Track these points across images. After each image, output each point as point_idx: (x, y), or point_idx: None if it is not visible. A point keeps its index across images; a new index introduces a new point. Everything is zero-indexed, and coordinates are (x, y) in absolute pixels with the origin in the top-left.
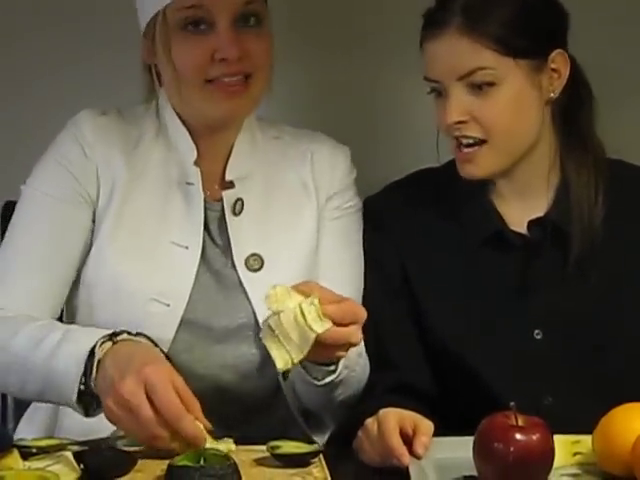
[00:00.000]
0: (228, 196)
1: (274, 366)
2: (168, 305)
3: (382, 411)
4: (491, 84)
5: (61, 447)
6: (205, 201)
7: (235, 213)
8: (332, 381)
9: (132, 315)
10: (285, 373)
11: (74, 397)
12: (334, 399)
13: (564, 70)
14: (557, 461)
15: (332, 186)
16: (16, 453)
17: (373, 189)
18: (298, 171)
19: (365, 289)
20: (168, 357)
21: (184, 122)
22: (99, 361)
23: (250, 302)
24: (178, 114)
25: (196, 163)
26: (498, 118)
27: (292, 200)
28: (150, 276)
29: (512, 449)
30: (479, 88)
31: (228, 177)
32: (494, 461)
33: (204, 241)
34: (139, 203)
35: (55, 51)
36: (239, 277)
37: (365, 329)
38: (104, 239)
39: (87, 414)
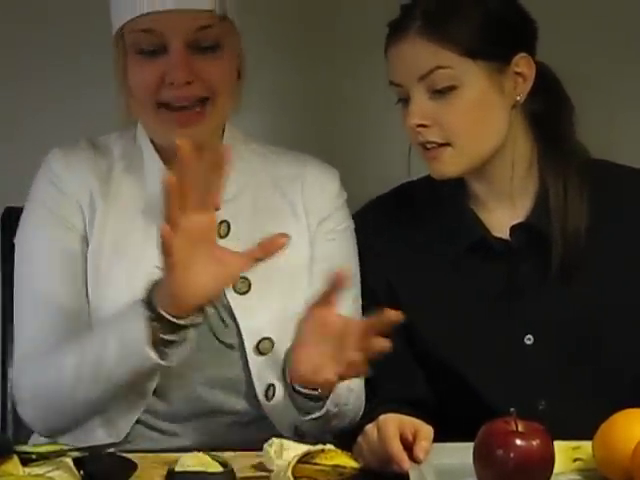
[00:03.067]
0: None
1: None
2: None
3: (382, 417)
4: (452, 88)
5: (61, 453)
6: None
7: (220, 235)
8: (319, 417)
9: None
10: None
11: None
12: (330, 429)
13: (529, 74)
14: (557, 467)
15: (323, 209)
16: (16, 459)
17: (357, 202)
18: (286, 194)
19: None
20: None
21: (157, 146)
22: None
23: (237, 324)
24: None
25: None
26: (460, 122)
27: (280, 223)
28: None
29: (512, 455)
30: (440, 93)
31: None
32: (494, 467)
33: None
34: (117, 232)
35: (55, 64)
36: (227, 299)
37: None
38: (88, 268)
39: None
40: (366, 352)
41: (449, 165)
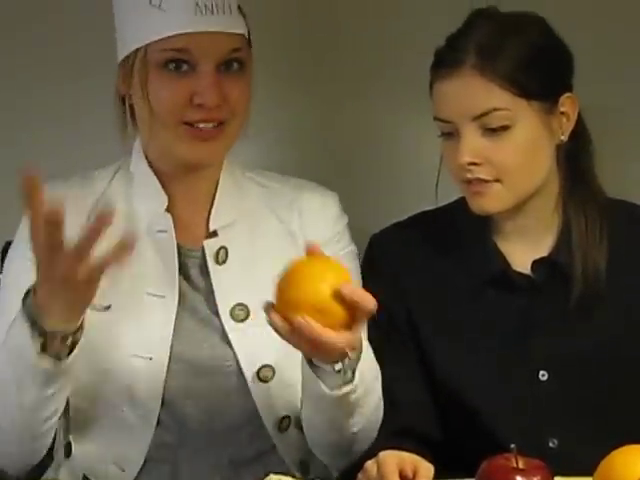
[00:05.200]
0: (210, 245)
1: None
2: (151, 359)
3: (382, 453)
4: (506, 127)
5: None
6: (181, 248)
7: (219, 262)
8: (349, 393)
9: (117, 373)
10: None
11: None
12: (349, 429)
13: (572, 113)
14: None
15: (323, 235)
16: None
17: (358, 228)
18: (284, 220)
19: (368, 331)
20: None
21: (155, 168)
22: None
23: (234, 352)
24: (149, 160)
25: (168, 209)
26: (512, 160)
27: (278, 249)
28: (127, 333)
29: None
30: (493, 131)
31: (212, 226)
32: None
33: (184, 289)
34: None
35: (55, 95)
36: (223, 327)
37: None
38: None
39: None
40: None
41: (495, 201)
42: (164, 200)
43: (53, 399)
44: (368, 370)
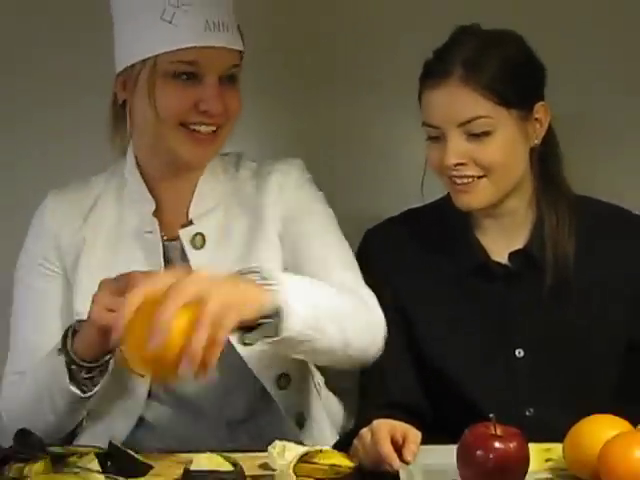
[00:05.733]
0: (185, 233)
1: None
2: None
3: (375, 421)
4: (487, 133)
5: (87, 452)
6: (166, 245)
7: (196, 247)
8: (282, 340)
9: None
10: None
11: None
12: (345, 337)
13: (545, 120)
14: (531, 467)
15: (286, 209)
16: (47, 459)
17: (357, 226)
18: (253, 209)
19: None
20: None
21: (144, 173)
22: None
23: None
24: (139, 165)
25: (155, 213)
26: (494, 159)
27: (249, 229)
28: None
29: (492, 456)
30: (476, 136)
31: (190, 216)
32: (475, 467)
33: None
34: (101, 258)
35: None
36: None
37: None
38: (77, 292)
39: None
40: None
41: (480, 197)
42: (152, 205)
43: (84, 408)
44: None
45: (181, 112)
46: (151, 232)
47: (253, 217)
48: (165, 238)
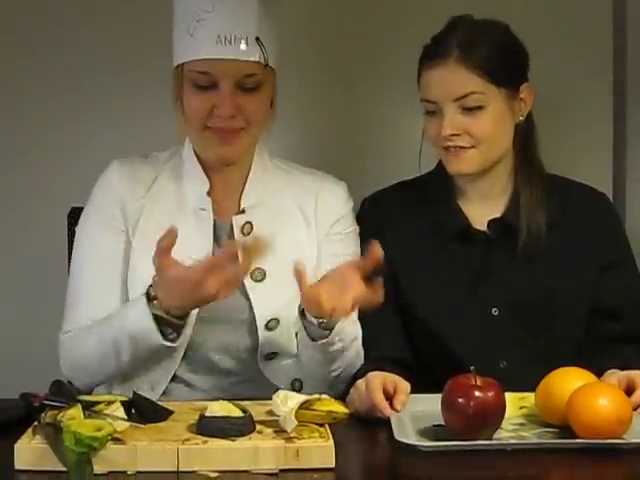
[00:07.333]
0: (237, 220)
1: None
2: None
3: (369, 373)
4: (480, 107)
5: (114, 400)
6: (216, 222)
7: (244, 234)
8: (325, 345)
9: None
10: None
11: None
12: (331, 372)
13: (529, 100)
14: (507, 413)
15: (333, 215)
16: (79, 406)
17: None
18: (301, 203)
19: None
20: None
21: (200, 159)
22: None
23: (252, 306)
24: (195, 151)
25: (209, 193)
26: (485, 131)
27: (293, 227)
28: None
29: (472, 404)
30: (469, 110)
31: (242, 205)
32: (458, 413)
33: (216, 254)
34: (160, 225)
35: (120, 88)
36: (244, 284)
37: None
38: (135, 253)
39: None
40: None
41: (470, 163)
42: (206, 185)
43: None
44: (348, 333)
45: (202, 116)
46: (204, 209)
47: (300, 215)
48: (216, 218)
